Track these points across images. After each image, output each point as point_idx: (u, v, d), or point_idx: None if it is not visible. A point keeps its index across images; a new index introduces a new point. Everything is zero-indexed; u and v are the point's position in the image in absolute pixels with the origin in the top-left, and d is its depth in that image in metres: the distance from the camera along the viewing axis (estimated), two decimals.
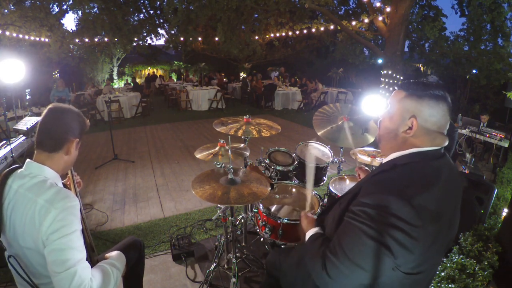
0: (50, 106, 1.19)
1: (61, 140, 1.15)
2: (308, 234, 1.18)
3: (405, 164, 0.94)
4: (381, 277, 0.89)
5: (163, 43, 15.05)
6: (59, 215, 1.02)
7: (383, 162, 1.07)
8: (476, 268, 1.84)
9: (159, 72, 18.45)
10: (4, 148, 3.53)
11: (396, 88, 1.05)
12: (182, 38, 12.91)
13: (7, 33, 9.42)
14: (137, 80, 14.28)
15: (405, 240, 0.83)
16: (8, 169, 1.15)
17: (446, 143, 0.97)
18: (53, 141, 1.14)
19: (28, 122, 4.17)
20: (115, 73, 15.62)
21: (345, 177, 2.50)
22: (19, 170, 1.15)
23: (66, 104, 1.26)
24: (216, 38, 12.58)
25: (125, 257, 1.40)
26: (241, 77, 15.25)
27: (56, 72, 12.88)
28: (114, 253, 1.33)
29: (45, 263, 1.05)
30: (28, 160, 1.15)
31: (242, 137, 2.25)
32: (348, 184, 2.40)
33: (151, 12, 14.45)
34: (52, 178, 1.14)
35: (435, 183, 0.88)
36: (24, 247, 1.07)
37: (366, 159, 2.47)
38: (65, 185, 1.35)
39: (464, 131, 5.11)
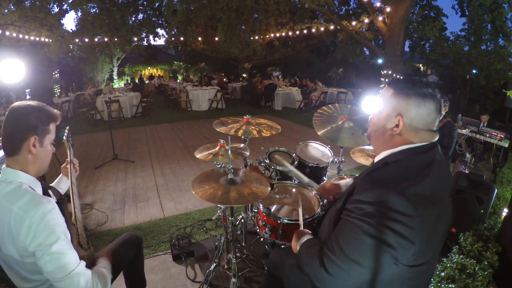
0: (11, 106, 1.13)
1: (17, 142, 1.08)
2: (301, 241, 1.19)
3: (396, 161, 0.96)
4: (382, 273, 0.90)
5: (163, 43, 15.06)
6: (35, 224, 0.99)
7: (374, 161, 1.09)
8: (476, 268, 1.84)
9: (159, 72, 18.46)
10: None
11: (386, 85, 1.05)
12: (182, 38, 12.92)
13: (7, 33, 9.42)
14: (136, 80, 14.28)
15: (404, 231, 0.84)
16: None
17: (435, 138, 0.97)
18: (11, 144, 1.09)
19: None
20: (115, 73, 15.63)
21: (345, 177, 2.50)
22: None
23: (27, 101, 1.16)
24: (216, 38, 12.60)
25: (124, 253, 1.39)
26: (240, 78, 15.25)
27: (56, 72, 12.88)
28: (103, 260, 1.29)
29: (30, 269, 1.05)
30: (3, 166, 1.12)
31: (242, 137, 2.24)
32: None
33: (150, 12, 14.46)
34: (27, 183, 1.09)
35: (428, 174, 0.90)
36: (7, 254, 1.06)
37: (365, 159, 2.48)
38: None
39: (464, 131, 5.10)
